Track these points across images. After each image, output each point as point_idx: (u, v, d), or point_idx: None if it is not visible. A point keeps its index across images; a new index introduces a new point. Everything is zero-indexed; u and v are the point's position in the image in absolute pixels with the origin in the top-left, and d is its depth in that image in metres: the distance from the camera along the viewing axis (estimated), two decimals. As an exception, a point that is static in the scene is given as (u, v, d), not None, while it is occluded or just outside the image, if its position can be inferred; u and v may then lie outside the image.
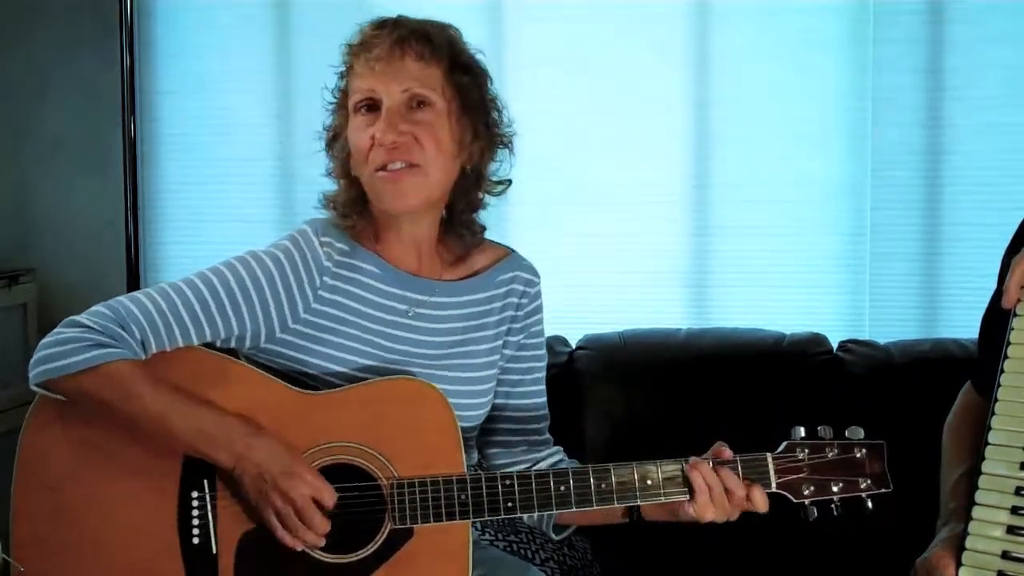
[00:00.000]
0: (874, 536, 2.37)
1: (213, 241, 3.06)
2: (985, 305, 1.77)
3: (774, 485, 1.60)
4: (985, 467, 1.58)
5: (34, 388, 1.56)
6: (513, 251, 1.81)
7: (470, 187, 1.71)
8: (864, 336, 2.79)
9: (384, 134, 1.59)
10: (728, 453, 1.60)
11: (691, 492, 1.58)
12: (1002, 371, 1.59)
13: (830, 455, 1.60)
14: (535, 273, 1.80)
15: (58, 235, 3.14)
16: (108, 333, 1.54)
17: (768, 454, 1.61)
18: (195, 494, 1.58)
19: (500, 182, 1.74)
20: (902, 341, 2.65)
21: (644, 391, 2.53)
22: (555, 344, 2.65)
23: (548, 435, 1.82)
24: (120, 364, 1.53)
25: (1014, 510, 1.54)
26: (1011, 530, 1.54)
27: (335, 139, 1.70)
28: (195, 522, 1.57)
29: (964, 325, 2.48)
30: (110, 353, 1.52)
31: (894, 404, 2.39)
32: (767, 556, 2.40)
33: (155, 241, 3.10)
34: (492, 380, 1.75)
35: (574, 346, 2.67)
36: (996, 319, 1.65)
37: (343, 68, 1.68)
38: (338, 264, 1.66)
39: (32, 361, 1.55)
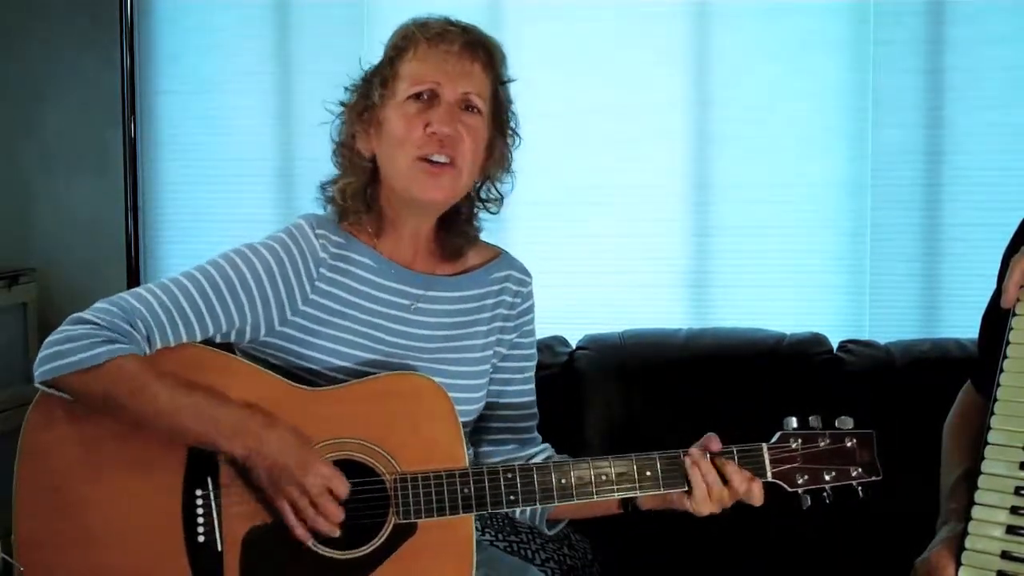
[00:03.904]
0: (874, 536, 2.37)
1: (213, 241, 3.04)
2: (985, 305, 1.77)
3: (769, 475, 1.62)
4: (985, 467, 1.58)
5: (39, 386, 1.56)
6: (505, 251, 1.83)
7: (476, 198, 1.76)
8: (864, 336, 2.78)
9: (444, 125, 1.62)
10: (717, 445, 1.62)
11: (689, 487, 1.60)
12: (1002, 371, 1.59)
13: (822, 445, 1.63)
14: (527, 273, 1.83)
15: (58, 235, 3.14)
16: (115, 329, 1.55)
17: (764, 444, 1.63)
18: (199, 492, 1.58)
19: (498, 199, 1.78)
20: (902, 341, 2.65)
21: (644, 391, 2.53)
22: (555, 344, 2.65)
23: (537, 433, 1.84)
24: (127, 359, 1.53)
25: (1014, 510, 1.54)
26: (1011, 530, 1.54)
27: (363, 115, 1.69)
28: (199, 520, 1.57)
29: (964, 325, 2.48)
30: (117, 349, 1.53)
31: (894, 404, 2.39)
32: (767, 557, 2.40)
33: (155, 241, 3.11)
34: (486, 375, 1.77)
35: (574, 346, 2.67)
36: (996, 319, 1.65)
37: (394, 50, 1.68)
38: (334, 256, 1.68)
39: (38, 359, 1.55)
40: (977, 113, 2.88)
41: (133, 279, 2.83)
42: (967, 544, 1.56)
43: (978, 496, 1.57)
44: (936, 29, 2.88)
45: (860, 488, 1.63)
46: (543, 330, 2.66)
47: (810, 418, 1.65)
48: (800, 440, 1.63)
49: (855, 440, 1.63)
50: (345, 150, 1.72)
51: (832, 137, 2.94)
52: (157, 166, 3.10)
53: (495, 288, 1.78)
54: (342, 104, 1.73)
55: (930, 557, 1.61)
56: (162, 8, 3.08)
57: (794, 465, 1.62)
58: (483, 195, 1.76)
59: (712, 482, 1.59)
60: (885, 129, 2.92)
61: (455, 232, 1.75)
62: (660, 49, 2.97)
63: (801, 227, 2.96)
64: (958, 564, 1.56)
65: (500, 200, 1.77)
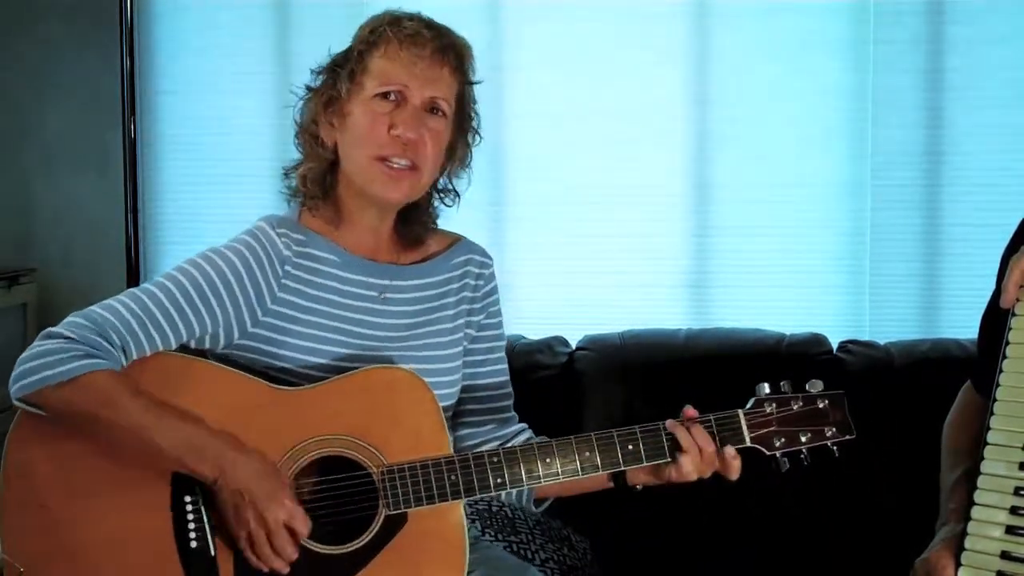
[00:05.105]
0: (874, 536, 2.37)
1: (213, 241, 3.02)
2: (985, 305, 1.77)
3: (748, 440, 1.65)
4: (984, 467, 1.58)
5: (15, 403, 1.54)
6: (464, 237, 1.85)
7: (433, 189, 1.77)
8: (864, 336, 2.78)
9: (409, 129, 1.64)
10: (693, 412, 1.66)
11: (673, 454, 1.63)
12: (1001, 371, 1.59)
13: (796, 407, 1.67)
14: (488, 256, 1.85)
15: (58, 235, 3.15)
16: (88, 343, 1.53)
17: (739, 411, 1.67)
18: (188, 498, 1.57)
19: (452, 191, 1.79)
20: (902, 341, 2.65)
21: (644, 391, 2.53)
22: (555, 344, 2.65)
23: (514, 412, 1.86)
24: (101, 375, 1.52)
25: (1013, 510, 1.54)
26: (1010, 530, 1.54)
27: (328, 106, 1.69)
28: (191, 526, 1.56)
29: (964, 325, 2.48)
30: (92, 364, 1.51)
31: (894, 404, 2.39)
32: (767, 556, 2.40)
33: (155, 241, 3.11)
34: (459, 359, 1.78)
35: (574, 346, 2.66)
36: (995, 319, 1.65)
37: (364, 43, 1.68)
38: (298, 254, 1.69)
39: (12, 376, 1.53)
40: (977, 113, 2.89)
41: (133, 279, 2.83)
42: (967, 544, 1.56)
43: (978, 496, 1.57)
44: (936, 29, 2.89)
45: (835, 448, 1.66)
46: (543, 330, 2.68)
47: (781, 383, 1.68)
48: (774, 404, 1.66)
49: (827, 401, 1.67)
50: (307, 135, 1.73)
51: (832, 137, 2.95)
52: (157, 166, 3.10)
53: (457, 273, 1.79)
54: (308, 88, 1.73)
55: (930, 557, 1.61)
56: (162, 8, 3.08)
57: (770, 429, 1.66)
58: (440, 186, 1.78)
59: (703, 444, 1.62)
60: (885, 129, 2.92)
61: (413, 220, 1.77)
62: (660, 49, 2.97)
63: (801, 227, 2.97)
64: (958, 564, 1.56)
65: (456, 194, 1.79)
